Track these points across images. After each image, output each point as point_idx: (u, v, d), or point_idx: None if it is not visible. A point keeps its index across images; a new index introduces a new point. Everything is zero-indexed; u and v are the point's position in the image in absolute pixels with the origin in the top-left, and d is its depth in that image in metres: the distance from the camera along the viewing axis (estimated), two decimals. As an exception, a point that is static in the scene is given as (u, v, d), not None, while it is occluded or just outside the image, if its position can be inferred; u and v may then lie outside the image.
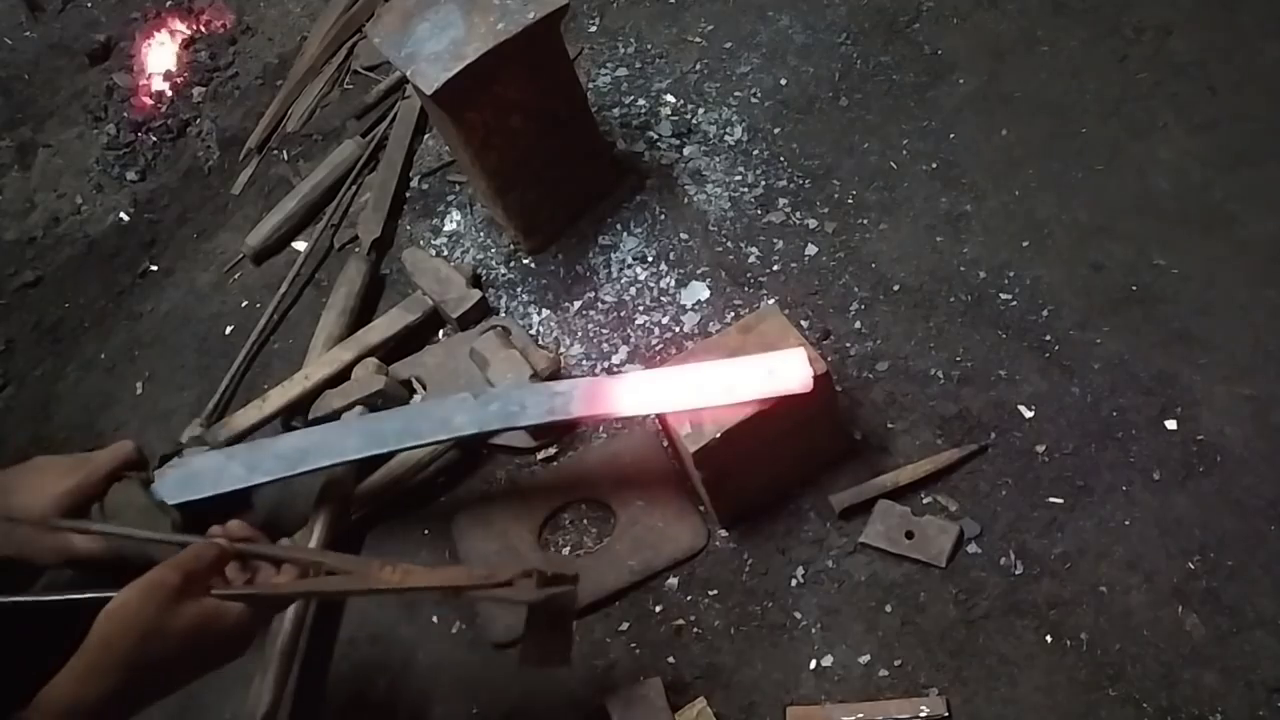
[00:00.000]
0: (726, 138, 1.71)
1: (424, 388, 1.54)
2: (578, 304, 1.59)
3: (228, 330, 1.78)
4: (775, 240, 1.57)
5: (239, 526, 1.08)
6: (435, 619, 1.37)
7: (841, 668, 1.19)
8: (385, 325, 1.59)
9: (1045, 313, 1.39)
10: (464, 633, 1.34)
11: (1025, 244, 1.47)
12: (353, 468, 1.42)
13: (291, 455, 1.34)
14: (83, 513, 1.23)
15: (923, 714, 1.13)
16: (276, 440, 1.37)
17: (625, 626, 1.29)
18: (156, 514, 1.29)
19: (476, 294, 1.59)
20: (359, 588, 1.06)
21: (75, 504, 1.22)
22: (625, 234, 1.64)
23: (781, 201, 1.61)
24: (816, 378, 1.17)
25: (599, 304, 1.58)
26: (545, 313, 1.59)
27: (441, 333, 1.63)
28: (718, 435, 1.17)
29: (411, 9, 1.45)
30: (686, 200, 1.65)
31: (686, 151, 1.71)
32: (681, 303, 1.54)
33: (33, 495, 1.20)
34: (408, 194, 1.84)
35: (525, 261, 1.66)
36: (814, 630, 1.23)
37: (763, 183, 1.64)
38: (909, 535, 1.24)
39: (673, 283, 1.57)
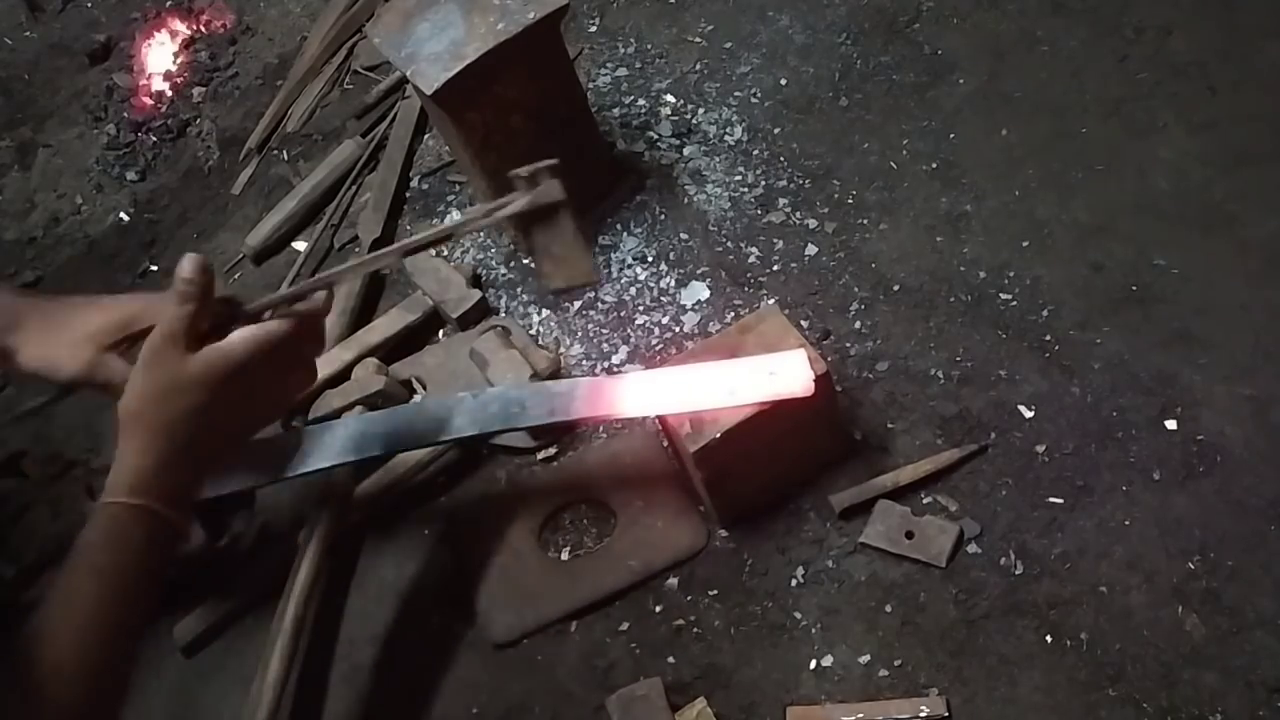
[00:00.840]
0: (726, 138, 1.71)
1: (424, 388, 1.54)
2: (578, 304, 1.59)
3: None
4: (775, 240, 1.57)
5: (191, 263, 0.98)
6: (435, 619, 1.37)
7: (841, 668, 1.19)
8: (385, 325, 1.59)
9: (1045, 313, 1.39)
10: (464, 633, 1.34)
11: (1025, 244, 1.47)
12: (352, 468, 1.42)
13: (291, 456, 1.33)
14: (129, 343, 1.13)
15: (923, 714, 1.13)
16: (274, 441, 1.37)
17: (625, 626, 1.29)
18: None
19: (476, 294, 1.59)
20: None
21: (126, 324, 1.12)
22: (625, 234, 1.64)
23: (781, 201, 1.61)
24: (817, 378, 1.17)
25: (599, 304, 1.58)
26: (545, 313, 1.59)
27: (441, 333, 1.63)
28: (718, 435, 1.17)
29: (411, 9, 1.45)
30: (686, 200, 1.65)
31: (686, 151, 1.71)
32: (681, 303, 1.54)
33: (93, 311, 1.13)
34: (408, 194, 1.84)
35: (525, 261, 1.66)
36: (814, 630, 1.23)
37: (763, 183, 1.64)
38: (909, 535, 1.24)
39: (673, 283, 1.57)
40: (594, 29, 1.95)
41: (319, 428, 1.37)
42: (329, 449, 1.33)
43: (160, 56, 2.28)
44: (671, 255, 1.60)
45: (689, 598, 1.29)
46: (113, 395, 1.07)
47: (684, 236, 1.61)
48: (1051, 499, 1.25)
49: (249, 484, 1.33)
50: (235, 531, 1.37)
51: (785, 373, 1.17)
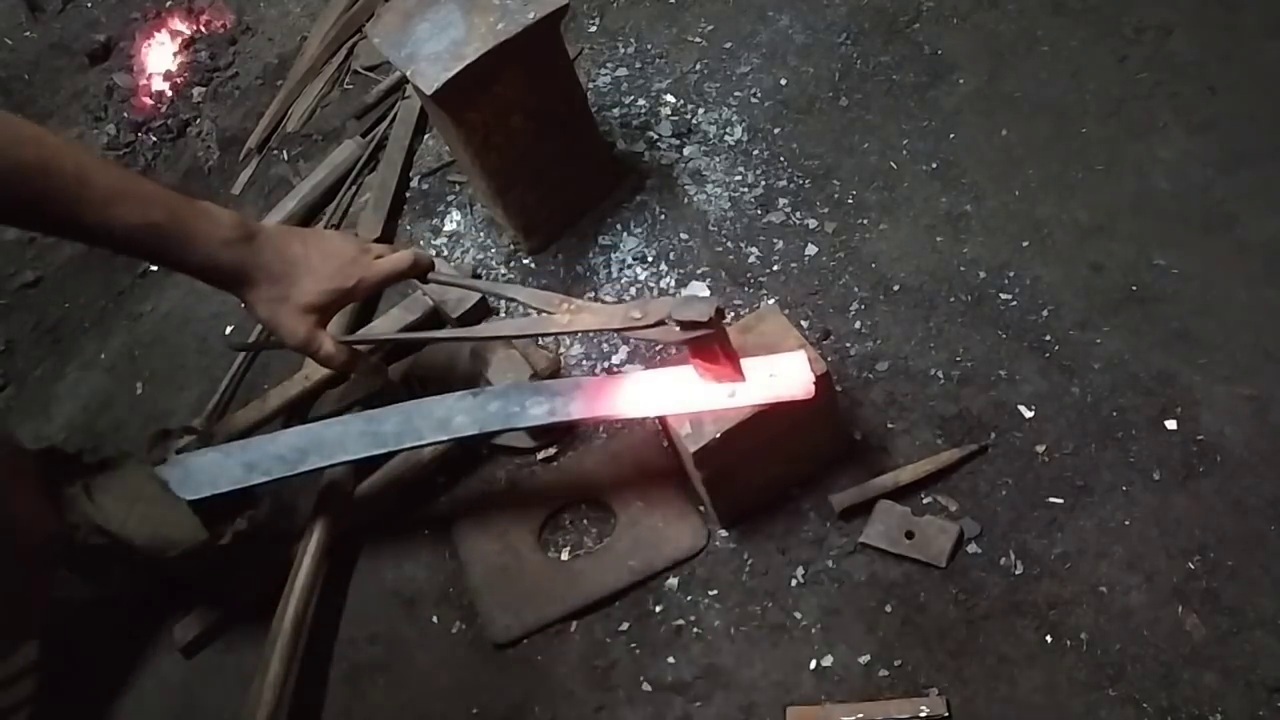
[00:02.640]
0: (726, 138, 1.71)
1: (424, 388, 1.54)
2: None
3: (228, 330, 1.78)
4: (775, 240, 1.57)
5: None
6: (435, 619, 1.37)
7: (841, 668, 1.19)
8: (385, 325, 1.59)
9: (1045, 313, 1.39)
10: (464, 633, 1.34)
11: (1025, 244, 1.47)
12: (352, 468, 1.42)
13: (291, 455, 1.33)
14: (336, 310, 1.29)
15: (923, 714, 1.13)
16: (275, 439, 1.37)
17: (625, 626, 1.29)
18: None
19: (476, 295, 1.59)
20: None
21: (338, 303, 1.28)
22: (625, 234, 1.64)
23: (781, 201, 1.61)
24: (817, 378, 1.17)
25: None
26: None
27: (450, 332, 1.63)
28: (718, 435, 1.17)
29: (411, 9, 1.45)
30: (686, 200, 1.65)
31: (686, 151, 1.71)
32: (681, 303, 1.54)
33: (312, 279, 1.25)
34: (408, 194, 1.84)
35: (525, 261, 1.66)
36: (814, 630, 1.23)
37: (763, 183, 1.64)
38: (909, 535, 1.24)
39: (673, 283, 1.57)
40: (594, 29, 1.94)
41: (318, 425, 1.37)
42: (329, 448, 1.33)
43: (160, 56, 2.28)
44: (671, 255, 1.60)
45: (689, 598, 1.29)
46: (321, 364, 1.28)
47: (684, 236, 1.61)
48: (1051, 499, 1.25)
49: (250, 482, 1.34)
50: (238, 529, 1.37)
51: (786, 374, 1.17)
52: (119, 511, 1.30)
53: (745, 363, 1.20)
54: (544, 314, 1.24)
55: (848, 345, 1.43)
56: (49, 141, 1.14)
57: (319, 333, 1.27)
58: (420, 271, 1.35)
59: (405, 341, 1.52)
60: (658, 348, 1.50)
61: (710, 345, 1.14)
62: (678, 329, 1.11)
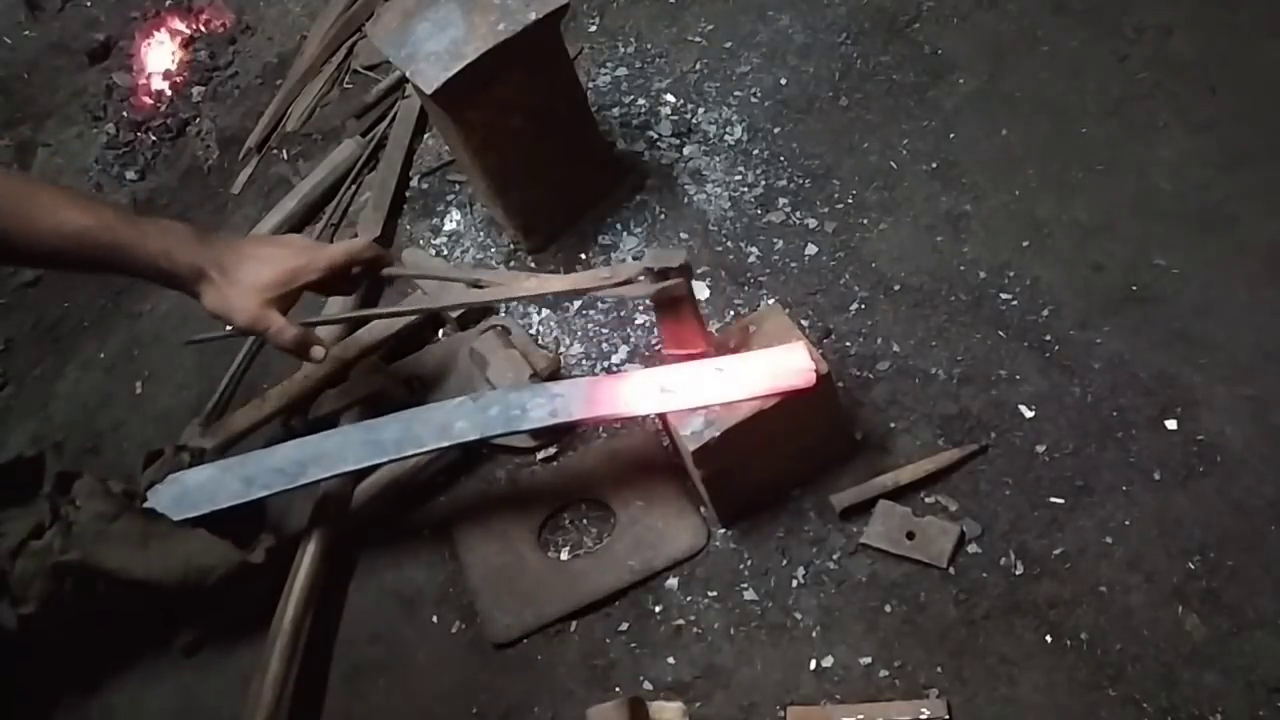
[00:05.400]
0: (726, 137, 1.71)
1: (424, 388, 1.54)
2: (577, 304, 1.59)
3: (227, 329, 1.77)
4: (775, 240, 1.57)
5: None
6: (435, 619, 1.37)
7: (842, 668, 1.19)
8: (385, 325, 1.59)
9: (1045, 313, 1.39)
10: (464, 633, 1.34)
11: (1025, 244, 1.47)
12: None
13: (290, 468, 1.33)
14: (293, 295, 1.30)
15: (923, 716, 1.12)
16: (273, 452, 1.36)
17: (625, 626, 1.29)
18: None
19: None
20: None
21: (288, 281, 1.29)
22: (625, 233, 1.64)
23: (781, 201, 1.61)
24: (817, 376, 1.17)
25: (599, 304, 1.57)
26: (545, 312, 1.59)
27: (441, 332, 1.63)
28: (717, 435, 1.17)
29: (411, 9, 1.45)
30: (686, 200, 1.65)
31: (686, 151, 1.71)
32: (681, 302, 1.54)
33: (262, 263, 1.28)
34: (408, 194, 1.84)
35: (525, 261, 1.66)
36: (814, 630, 1.23)
37: (763, 182, 1.64)
38: (910, 536, 1.24)
39: (673, 282, 1.57)
40: (594, 29, 1.94)
41: (317, 437, 1.36)
42: (328, 459, 1.33)
43: (160, 56, 2.28)
44: (671, 255, 1.59)
45: (689, 598, 1.29)
46: (271, 343, 1.30)
47: (684, 236, 1.61)
48: (1052, 499, 1.25)
49: (250, 496, 1.33)
50: (268, 545, 1.36)
51: (785, 365, 1.17)
52: (135, 558, 1.29)
53: (744, 356, 1.20)
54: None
55: (848, 345, 1.43)
56: None
57: (269, 311, 1.27)
58: (377, 264, 1.38)
59: (362, 319, 1.50)
60: (655, 345, 1.50)
61: (679, 303, 1.19)
62: (646, 280, 1.17)
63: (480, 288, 1.44)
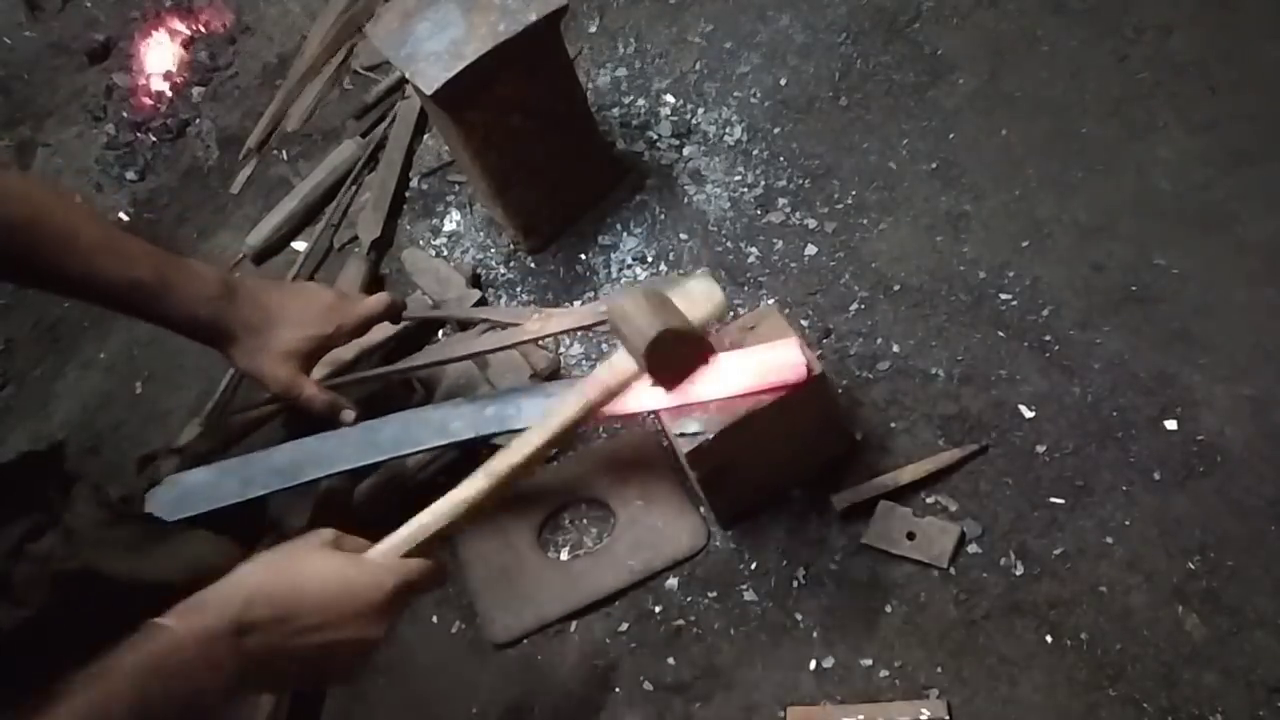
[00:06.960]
0: (726, 138, 1.71)
1: (423, 388, 1.54)
2: (577, 304, 1.59)
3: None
4: (775, 240, 1.57)
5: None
6: (435, 619, 1.37)
7: (842, 668, 1.19)
8: (385, 325, 1.59)
9: (1045, 313, 1.39)
10: (464, 633, 1.34)
11: (1025, 244, 1.46)
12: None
13: (287, 468, 1.33)
14: (317, 357, 1.35)
15: (923, 716, 1.12)
16: (271, 454, 1.36)
17: (625, 626, 1.29)
18: None
19: (476, 294, 1.59)
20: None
21: (316, 351, 1.34)
22: (625, 234, 1.64)
23: (781, 201, 1.61)
24: (813, 377, 1.17)
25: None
26: (545, 313, 1.59)
27: (441, 332, 1.63)
28: (711, 436, 1.17)
29: (411, 9, 1.45)
30: (686, 200, 1.65)
31: (686, 151, 1.71)
32: (681, 303, 1.54)
33: (291, 327, 1.31)
34: (407, 194, 1.84)
35: (525, 261, 1.66)
36: (814, 631, 1.23)
37: (762, 183, 1.64)
38: (910, 536, 1.24)
39: (673, 283, 1.57)
40: (594, 29, 1.94)
41: (314, 438, 1.36)
42: (325, 459, 1.33)
43: (160, 56, 2.28)
44: (671, 255, 1.59)
45: (689, 598, 1.29)
46: (301, 409, 1.33)
47: (684, 236, 1.61)
48: (1052, 499, 1.25)
49: (247, 496, 1.33)
50: (268, 543, 1.36)
51: (776, 360, 1.17)
52: (141, 562, 1.28)
53: (736, 354, 1.19)
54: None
55: (848, 345, 1.43)
56: (36, 196, 1.18)
57: (300, 378, 1.31)
58: (394, 313, 1.42)
59: (386, 375, 1.51)
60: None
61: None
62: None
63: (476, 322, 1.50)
